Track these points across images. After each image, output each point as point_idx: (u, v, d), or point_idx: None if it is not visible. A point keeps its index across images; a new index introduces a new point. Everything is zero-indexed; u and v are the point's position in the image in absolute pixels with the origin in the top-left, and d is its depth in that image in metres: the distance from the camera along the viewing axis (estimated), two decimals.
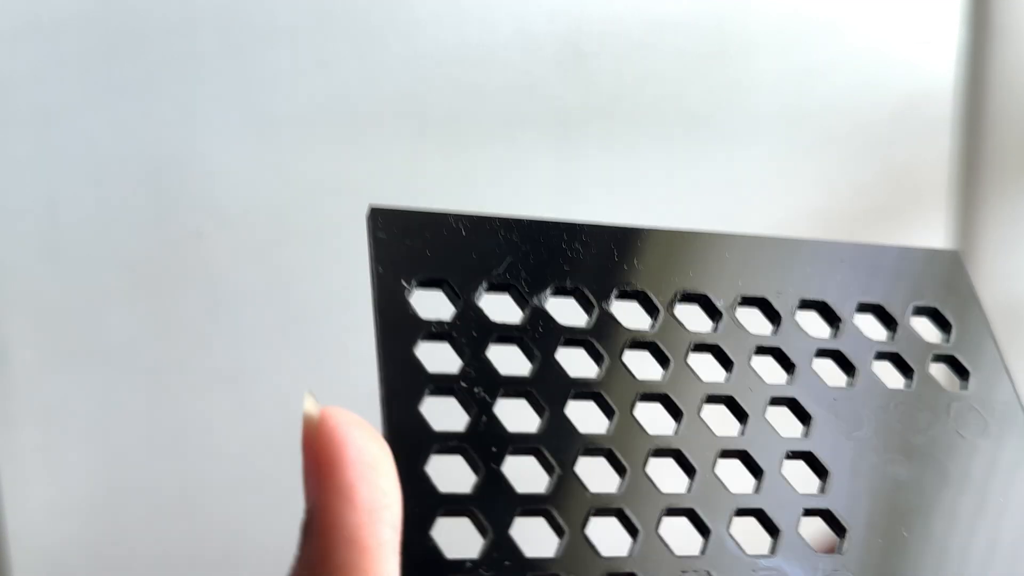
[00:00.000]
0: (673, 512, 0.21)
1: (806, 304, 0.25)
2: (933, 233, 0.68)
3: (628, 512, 0.21)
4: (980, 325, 0.27)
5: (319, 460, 0.18)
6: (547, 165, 0.57)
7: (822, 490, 0.23)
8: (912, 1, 0.64)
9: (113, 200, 0.50)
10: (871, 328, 0.25)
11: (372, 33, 0.53)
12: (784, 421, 0.23)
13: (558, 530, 0.20)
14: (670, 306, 0.24)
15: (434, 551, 0.19)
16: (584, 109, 0.58)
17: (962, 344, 0.26)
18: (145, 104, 0.50)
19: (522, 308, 0.22)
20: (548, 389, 0.21)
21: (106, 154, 0.50)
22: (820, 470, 0.23)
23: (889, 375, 0.25)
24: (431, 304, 0.22)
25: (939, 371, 0.26)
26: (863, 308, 0.26)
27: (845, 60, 0.63)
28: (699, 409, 0.23)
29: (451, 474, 0.20)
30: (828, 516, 0.22)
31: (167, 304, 0.52)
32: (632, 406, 0.22)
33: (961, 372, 0.26)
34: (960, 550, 0.23)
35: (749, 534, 0.22)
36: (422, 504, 0.19)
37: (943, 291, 0.27)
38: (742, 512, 0.22)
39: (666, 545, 0.21)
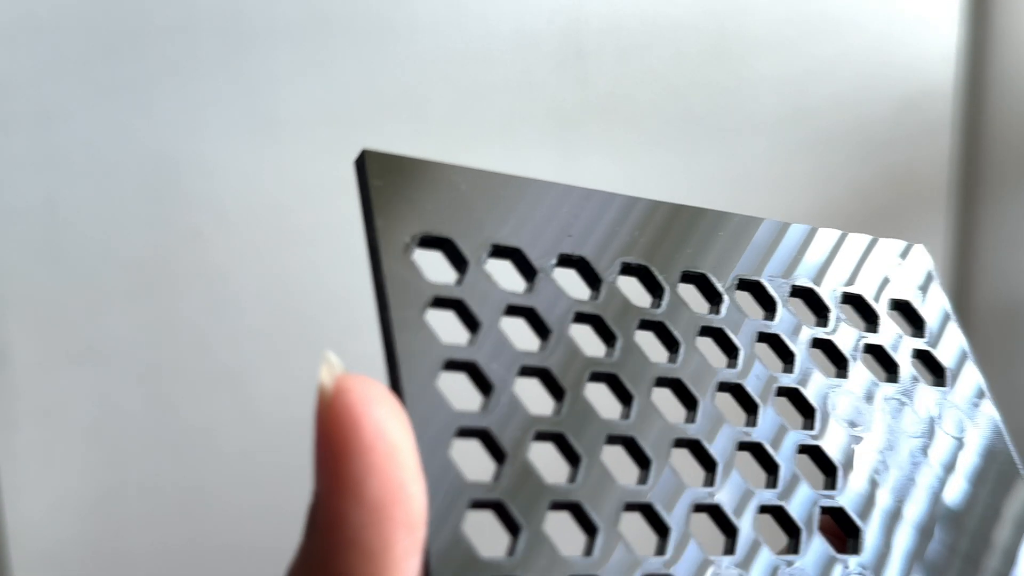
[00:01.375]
0: (700, 508, 0.20)
1: (795, 291, 0.24)
2: (933, 233, 0.68)
3: (657, 508, 0.19)
4: (950, 321, 0.27)
5: (327, 443, 0.16)
6: (547, 165, 0.57)
7: (832, 487, 0.22)
8: (912, 2, 0.64)
9: (113, 200, 0.50)
10: (855, 320, 0.25)
11: (372, 33, 0.53)
12: (788, 413, 0.23)
13: (588, 527, 0.19)
14: (673, 284, 0.22)
15: (467, 550, 0.17)
16: (584, 109, 0.58)
17: (935, 340, 0.26)
18: (145, 104, 0.50)
19: (527, 278, 0.20)
20: (567, 370, 0.19)
21: (106, 154, 0.50)
22: (828, 467, 0.22)
23: (874, 369, 0.25)
24: (429, 266, 0.19)
25: (917, 368, 0.26)
26: (846, 299, 0.25)
27: (845, 60, 0.63)
28: (713, 398, 0.21)
29: (470, 463, 0.19)
30: (840, 514, 0.22)
31: (167, 304, 0.52)
32: (649, 391, 0.21)
33: (935, 370, 0.26)
34: (957, 548, 0.23)
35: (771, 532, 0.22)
36: (451, 497, 0.17)
37: (914, 285, 0.26)
38: (764, 509, 0.21)
39: (697, 543, 0.20)
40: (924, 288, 0.27)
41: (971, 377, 0.26)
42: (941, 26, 0.65)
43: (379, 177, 0.19)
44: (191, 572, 0.54)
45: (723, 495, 0.20)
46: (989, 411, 0.26)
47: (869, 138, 0.64)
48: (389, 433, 0.16)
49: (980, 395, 0.26)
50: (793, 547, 0.21)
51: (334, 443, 0.16)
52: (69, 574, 0.52)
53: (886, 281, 0.26)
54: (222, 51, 0.51)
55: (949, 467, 0.24)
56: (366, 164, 0.19)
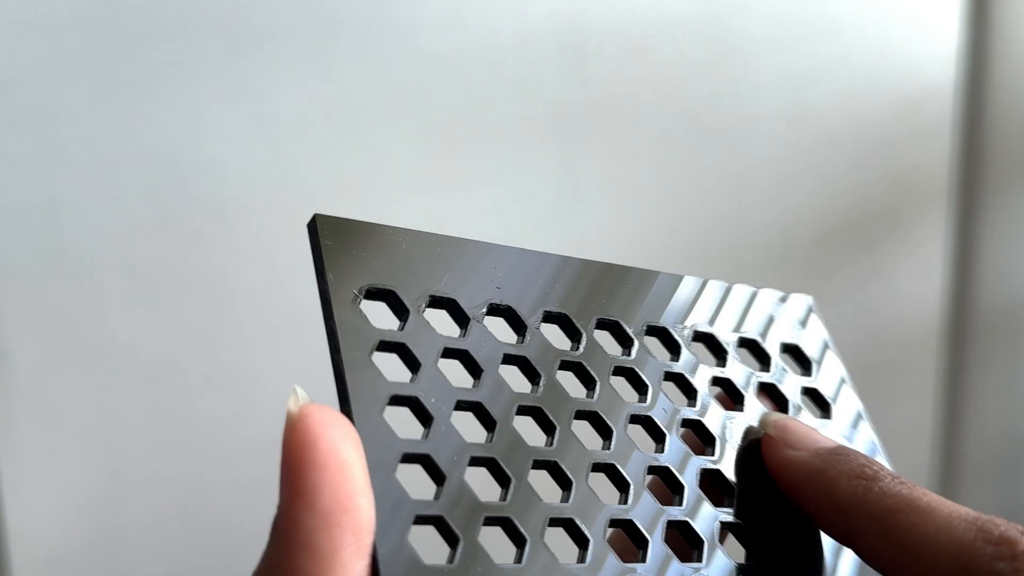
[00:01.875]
0: (615, 523, 0.23)
1: (697, 336, 0.28)
2: (933, 233, 0.68)
3: (579, 523, 0.22)
4: (835, 363, 0.30)
5: (288, 459, 0.18)
6: (547, 165, 0.57)
7: (732, 505, 0.25)
8: (912, 2, 0.64)
9: (113, 200, 0.50)
10: (749, 362, 0.29)
11: (372, 33, 0.53)
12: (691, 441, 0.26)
13: (518, 540, 0.21)
14: (590, 330, 0.25)
15: (412, 557, 0.19)
16: (584, 109, 0.58)
17: (822, 380, 0.30)
18: (145, 104, 0.50)
19: (460, 325, 0.23)
20: (495, 403, 0.22)
21: (106, 154, 0.50)
22: (727, 488, 0.26)
23: (765, 402, 0.28)
24: (374, 315, 0.22)
25: (805, 404, 0.29)
26: (742, 343, 0.29)
27: (845, 60, 0.63)
28: (626, 428, 0.25)
29: (414, 484, 0.21)
30: (737, 529, 0.25)
31: (167, 304, 0.52)
32: (569, 422, 0.24)
33: (823, 406, 0.29)
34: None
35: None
36: (397, 511, 0.19)
37: (801, 331, 0.30)
38: (672, 524, 0.24)
39: (613, 554, 0.22)
40: (803, 322, 0.30)
41: (850, 403, 0.30)
42: (941, 26, 0.65)
43: (329, 238, 0.22)
44: (191, 572, 0.54)
45: (636, 512, 0.23)
46: (867, 434, 0.30)
47: (869, 138, 0.64)
48: (341, 452, 0.18)
49: (858, 419, 0.30)
50: (698, 556, 0.24)
51: (294, 459, 0.18)
52: (69, 574, 0.52)
53: (771, 320, 0.30)
54: (222, 51, 0.51)
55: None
56: (318, 227, 0.22)
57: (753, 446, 0.26)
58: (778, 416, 0.26)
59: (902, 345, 0.69)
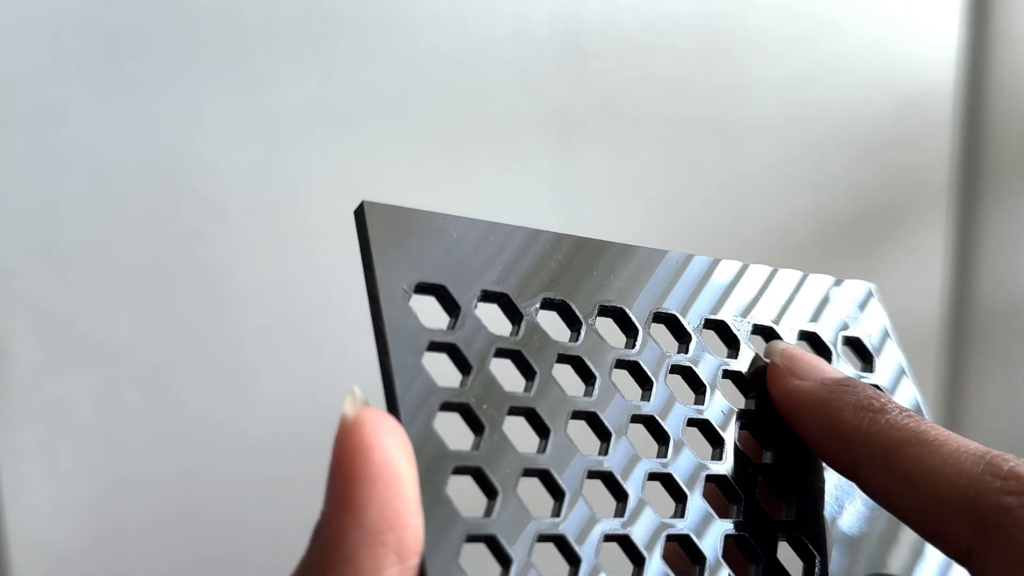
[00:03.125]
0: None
1: (756, 329, 0.26)
2: (933, 233, 0.68)
3: (634, 539, 0.21)
4: (896, 355, 0.29)
5: (339, 466, 0.17)
6: (547, 165, 0.57)
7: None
8: (912, 1, 0.64)
9: (113, 200, 0.50)
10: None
11: (372, 33, 0.53)
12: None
13: (572, 559, 0.20)
14: (647, 324, 0.24)
15: None
16: (584, 109, 0.58)
17: (882, 374, 0.28)
18: (145, 104, 0.50)
19: (513, 321, 0.22)
20: (550, 408, 0.21)
21: (106, 154, 0.50)
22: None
23: None
24: (423, 311, 0.21)
25: None
26: (803, 336, 0.27)
27: (845, 60, 0.63)
28: (683, 431, 0.23)
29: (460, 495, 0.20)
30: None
31: (167, 304, 0.52)
32: (627, 428, 0.22)
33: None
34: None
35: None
36: (447, 529, 0.18)
37: (863, 321, 0.28)
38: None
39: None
40: (862, 306, 0.29)
41: (907, 391, 0.28)
42: (941, 26, 0.65)
43: (378, 227, 0.20)
44: (191, 572, 0.54)
45: (688, 524, 0.22)
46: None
47: (869, 138, 0.64)
48: (395, 465, 0.17)
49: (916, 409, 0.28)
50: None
51: (345, 468, 0.17)
52: (69, 574, 0.52)
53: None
54: (222, 51, 0.51)
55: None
56: (366, 215, 0.20)
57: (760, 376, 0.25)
58: (785, 345, 0.26)
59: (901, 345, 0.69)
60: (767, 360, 0.25)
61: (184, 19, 0.50)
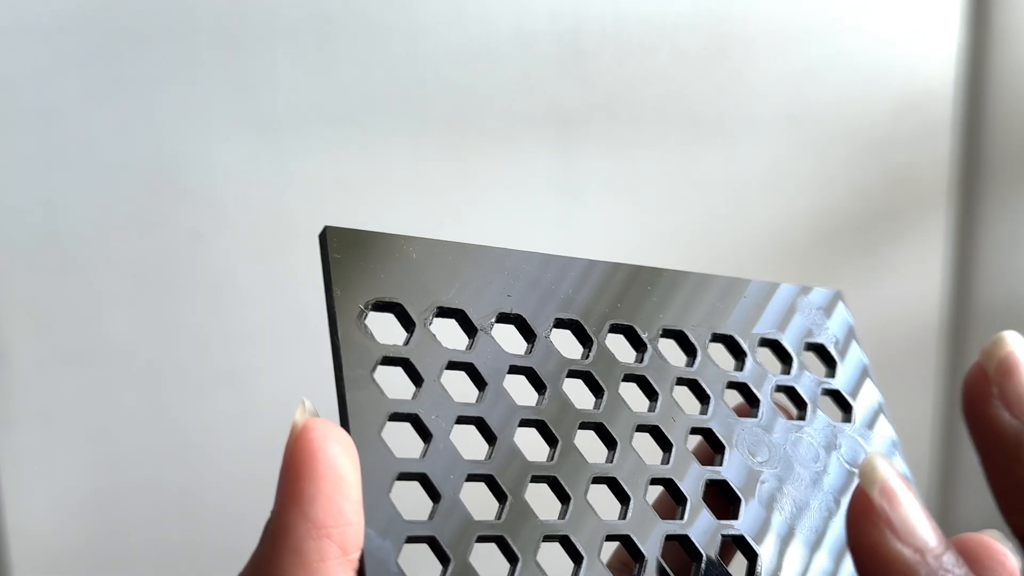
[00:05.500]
0: (611, 538, 0.22)
1: (716, 338, 0.27)
2: (933, 233, 0.68)
3: (573, 539, 0.22)
4: (858, 361, 0.29)
5: (288, 467, 0.19)
6: (547, 165, 0.57)
7: (736, 516, 0.24)
8: (912, 1, 0.64)
9: (113, 200, 0.50)
10: (770, 362, 0.27)
11: (372, 33, 0.53)
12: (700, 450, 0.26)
13: (511, 557, 0.21)
14: (602, 336, 0.24)
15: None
16: (584, 108, 0.58)
17: (845, 379, 0.29)
18: (145, 104, 0.50)
19: (469, 335, 0.23)
20: (497, 417, 0.22)
21: (106, 154, 0.50)
22: (733, 497, 0.25)
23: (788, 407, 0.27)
24: (381, 327, 0.22)
25: (825, 404, 0.28)
26: (763, 343, 0.28)
27: (845, 60, 0.63)
28: (631, 438, 0.24)
29: (408, 499, 0.21)
30: (741, 541, 0.24)
31: (167, 304, 0.52)
32: (573, 435, 0.23)
33: (844, 406, 0.28)
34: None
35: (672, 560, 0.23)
36: (388, 531, 0.19)
37: (828, 327, 0.29)
38: (670, 537, 0.23)
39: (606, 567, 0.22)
40: (827, 311, 0.29)
41: (876, 413, 0.29)
42: (941, 26, 0.65)
43: (339, 251, 0.21)
44: (191, 572, 0.54)
45: (693, 529, 0.23)
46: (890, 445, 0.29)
47: (869, 138, 0.64)
48: (340, 467, 0.19)
49: (887, 429, 0.29)
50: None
51: (294, 467, 0.19)
52: (69, 574, 0.52)
53: (791, 311, 0.28)
54: (222, 51, 0.51)
55: (843, 495, 0.27)
56: (327, 239, 0.21)
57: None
58: (885, 473, 0.20)
59: (902, 345, 0.69)
60: (857, 480, 0.21)
61: (184, 19, 0.50)
